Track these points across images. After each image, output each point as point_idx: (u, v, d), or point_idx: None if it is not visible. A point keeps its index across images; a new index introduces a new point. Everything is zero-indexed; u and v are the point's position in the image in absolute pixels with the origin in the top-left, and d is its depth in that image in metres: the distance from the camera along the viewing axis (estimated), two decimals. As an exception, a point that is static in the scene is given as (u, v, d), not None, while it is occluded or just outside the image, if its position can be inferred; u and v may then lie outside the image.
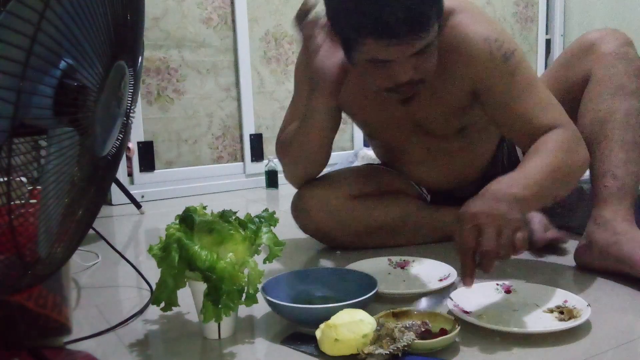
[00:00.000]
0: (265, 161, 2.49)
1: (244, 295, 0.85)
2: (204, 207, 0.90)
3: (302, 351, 0.84)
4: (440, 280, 1.08)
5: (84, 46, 0.56)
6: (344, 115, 1.32)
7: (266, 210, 0.93)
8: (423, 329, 0.82)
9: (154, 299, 0.86)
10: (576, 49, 1.25)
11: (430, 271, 1.14)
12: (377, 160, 1.60)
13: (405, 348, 0.76)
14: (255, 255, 0.89)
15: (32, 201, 0.57)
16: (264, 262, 0.90)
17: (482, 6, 3.06)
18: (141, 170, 2.27)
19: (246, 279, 0.85)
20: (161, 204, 2.20)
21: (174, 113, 2.33)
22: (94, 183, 0.66)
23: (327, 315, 0.82)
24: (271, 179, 2.41)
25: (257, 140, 2.51)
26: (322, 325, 0.81)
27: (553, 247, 1.30)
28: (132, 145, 2.22)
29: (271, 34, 2.51)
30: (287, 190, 2.20)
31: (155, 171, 2.30)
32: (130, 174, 2.25)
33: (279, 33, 2.53)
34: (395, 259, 1.20)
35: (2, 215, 0.54)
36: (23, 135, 0.56)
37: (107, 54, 0.60)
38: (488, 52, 1.12)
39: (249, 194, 2.36)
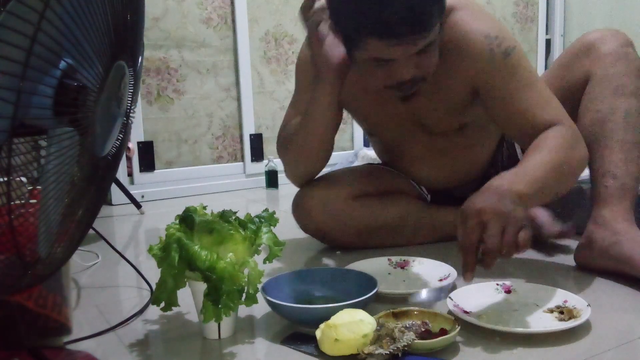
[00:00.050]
0: (265, 161, 2.49)
1: (244, 295, 0.85)
2: (204, 207, 0.90)
3: (302, 351, 0.84)
4: (440, 280, 1.08)
5: (84, 46, 0.56)
6: (344, 115, 1.32)
7: (266, 210, 0.93)
8: (423, 329, 0.82)
9: (154, 299, 0.86)
10: (576, 49, 1.25)
11: (430, 271, 1.14)
12: (377, 160, 1.60)
13: (405, 348, 0.76)
14: (255, 255, 0.89)
15: (32, 201, 0.57)
16: (264, 262, 0.90)
17: (482, 6, 3.06)
18: (141, 170, 2.27)
19: (246, 279, 0.85)
20: (161, 204, 2.20)
21: (174, 113, 2.33)
22: (94, 183, 0.66)
23: (327, 315, 0.82)
24: (271, 179, 2.41)
25: (257, 140, 2.51)
26: (322, 325, 0.81)
27: (555, 246, 1.31)
28: (132, 145, 2.22)
29: (271, 34, 2.51)
30: (287, 190, 2.20)
31: (155, 171, 2.30)
32: (130, 174, 2.25)
33: (279, 33, 2.53)
34: (395, 259, 1.20)
35: (2, 215, 0.54)
36: (23, 135, 0.56)
37: (107, 54, 0.60)
38: (488, 49, 1.12)
39: (249, 194, 2.36)
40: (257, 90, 2.49)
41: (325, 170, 1.38)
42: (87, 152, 0.61)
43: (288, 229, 1.38)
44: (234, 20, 2.40)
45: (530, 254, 1.28)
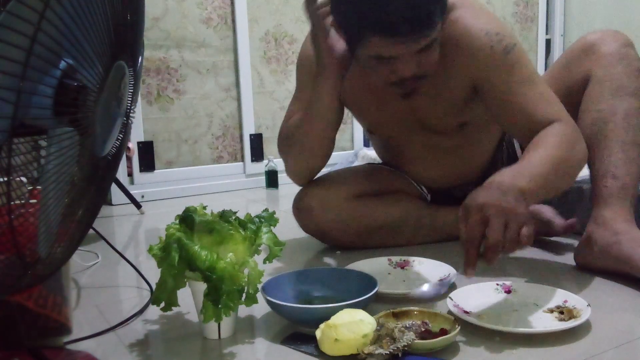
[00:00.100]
0: (265, 161, 2.49)
1: (244, 295, 0.85)
2: (204, 207, 0.90)
3: (302, 351, 0.84)
4: (440, 280, 1.08)
5: (84, 46, 0.56)
6: (344, 115, 1.32)
7: (266, 210, 0.93)
8: (423, 329, 0.82)
9: (154, 299, 0.86)
10: (577, 50, 1.25)
11: (430, 271, 1.14)
12: (377, 160, 1.60)
13: (405, 348, 0.76)
14: (255, 255, 0.89)
15: (32, 201, 0.57)
16: (264, 262, 0.90)
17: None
18: (141, 170, 2.27)
19: (246, 279, 0.85)
20: (161, 204, 2.20)
21: (174, 113, 2.33)
22: (94, 183, 0.66)
23: (327, 315, 0.82)
24: (271, 179, 2.41)
25: (257, 140, 2.51)
26: (322, 325, 0.81)
27: (555, 246, 1.30)
28: (132, 145, 2.22)
29: (271, 34, 2.51)
30: (287, 190, 2.20)
31: (155, 171, 2.30)
32: (130, 174, 2.25)
33: (279, 33, 2.53)
34: (395, 259, 1.20)
35: (2, 215, 0.54)
36: (23, 135, 0.56)
37: (107, 54, 0.60)
38: (489, 46, 1.13)
39: (249, 194, 2.36)
40: (257, 90, 2.49)
41: (325, 170, 1.38)
42: (87, 152, 0.61)
43: (288, 229, 1.38)
44: (234, 20, 2.40)
45: (530, 253, 1.29)
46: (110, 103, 0.63)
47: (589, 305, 0.89)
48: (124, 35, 0.63)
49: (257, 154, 2.51)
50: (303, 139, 1.25)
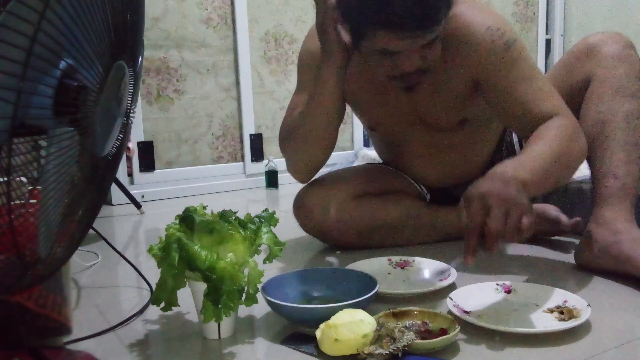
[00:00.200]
0: (265, 161, 2.49)
1: (244, 295, 0.85)
2: (204, 207, 0.90)
3: (302, 351, 0.84)
4: (440, 280, 1.08)
5: (84, 46, 0.56)
6: (344, 115, 1.32)
7: (266, 210, 0.93)
8: (423, 329, 0.82)
9: (154, 299, 0.86)
10: (578, 51, 1.26)
11: (430, 271, 1.14)
12: (377, 160, 1.60)
13: (405, 348, 0.76)
14: (255, 255, 0.89)
15: (32, 201, 0.57)
16: (264, 262, 0.90)
17: (482, 6, 3.06)
18: (141, 170, 2.27)
19: (246, 279, 0.85)
20: (161, 204, 2.20)
21: (174, 113, 2.33)
22: (94, 183, 0.66)
23: (327, 315, 0.82)
24: (271, 179, 2.41)
25: (257, 140, 2.51)
26: (322, 325, 0.81)
27: (555, 246, 1.30)
28: (132, 145, 2.22)
29: (271, 34, 2.51)
30: (287, 190, 2.20)
31: (155, 171, 2.30)
32: (130, 174, 2.26)
33: (279, 33, 2.53)
34: (395, 259, 1.20)
35: (2, 215, 0.54)
36: (23, 135, 0.56)
37: (107, 54, 0.60)
38: (490, 40, 1.14)
39: (249, 194, 2.36)
40: (257, 90, 2.49)
41: (325, 170, 1.38)
42: (87, 152, 0.61)
43: (288, 229, 1.38)
44: (234, 20, 2.40)
45: (530, 253, 1.29)
46: (110, 103, 0.63)
47: (589, 305, 0.89)
48: (124, 35, 0.63)
49: (257, 154, 2.51)
50: (306, 129, 1.24)
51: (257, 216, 0.92)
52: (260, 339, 0.90)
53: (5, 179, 0.52)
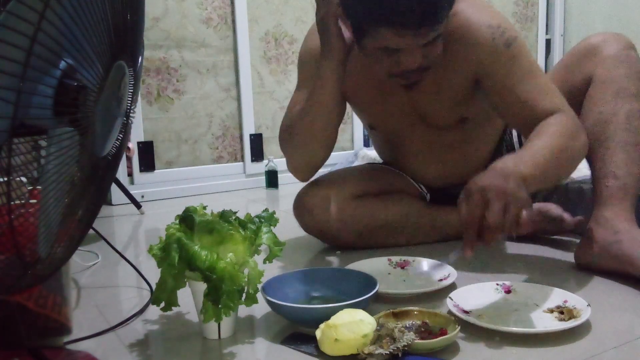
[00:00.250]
0: (265, 161, 2.49)
1: (244, 295, 0.85)
2: (204, 207, 0.90)
3: (302, 351, 0.84)
4: (440, 280, 1.08)
5: (84, 46, 0.56)
6: (344, 115, 1.32)
7: (266, 210, 0.93)
8: (423, 329, 0.82)
9: (154, 299, 0.86)
10: (579, 52, 1.26)
11: (430, 271, 1.14)
12: (377, 160, 1.60)
13: (405, 348, 0.76)
14: (255, 255, 0.89)
15: (32, 201, 0.57)
16: (264, 262, 0.90)
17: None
18: (141, 170, 2.27)
19: (246, 279, 0.85)
20: (161, 204, 2.20)
21: (174, 113, 2.33)
22: (94, 183, 0.66)
23: (327, 315, 0.82)
24: (271, 179, 2.41)
25: (257, 140, 2.51)
26: (322, 325, 0.81)
27: (555, 245, 1.30)
28: (132, 145, 2.22)
29: (271, 34, 2.51)
30: (287, 190, 2.20)
31: (155, 171, 2.30)
32: (130, 174, 2.25)
33: (279, 33, 2.53)
34: (395, 259, 1.20)
35: (2, 215, 0.54)
36: (23, 135, 0.56)
37: (107, 54, 0.60)
38: (490, 38, 1.14)
39: (249, 194, 2.36)
40: (257, 90, 2.49)
41: (325, 170, 1.38)
42: (87, 152, 0.61)
43: (288, 229, 1.38)
44: (234, 20, 2.40)
45: (530, 253, 1.29)
46: (110, 103, 0.63)
47: (589, 305, 0.89)
48: (124, 35, 0.63)
49: (257, 154, 2.51)
50: (305, 125, 1.24)
51: (257, 216, 0.92)
52: (260, 339, 0.90)
53: (5, 179, 0.52)
